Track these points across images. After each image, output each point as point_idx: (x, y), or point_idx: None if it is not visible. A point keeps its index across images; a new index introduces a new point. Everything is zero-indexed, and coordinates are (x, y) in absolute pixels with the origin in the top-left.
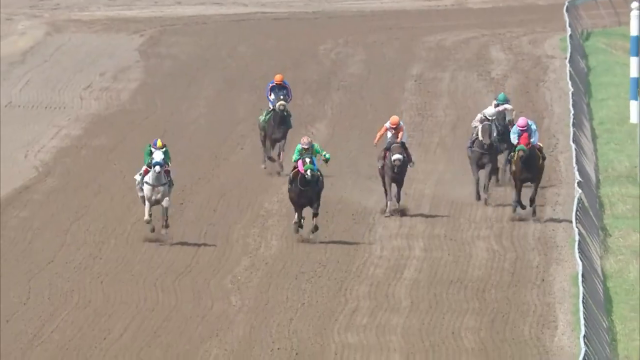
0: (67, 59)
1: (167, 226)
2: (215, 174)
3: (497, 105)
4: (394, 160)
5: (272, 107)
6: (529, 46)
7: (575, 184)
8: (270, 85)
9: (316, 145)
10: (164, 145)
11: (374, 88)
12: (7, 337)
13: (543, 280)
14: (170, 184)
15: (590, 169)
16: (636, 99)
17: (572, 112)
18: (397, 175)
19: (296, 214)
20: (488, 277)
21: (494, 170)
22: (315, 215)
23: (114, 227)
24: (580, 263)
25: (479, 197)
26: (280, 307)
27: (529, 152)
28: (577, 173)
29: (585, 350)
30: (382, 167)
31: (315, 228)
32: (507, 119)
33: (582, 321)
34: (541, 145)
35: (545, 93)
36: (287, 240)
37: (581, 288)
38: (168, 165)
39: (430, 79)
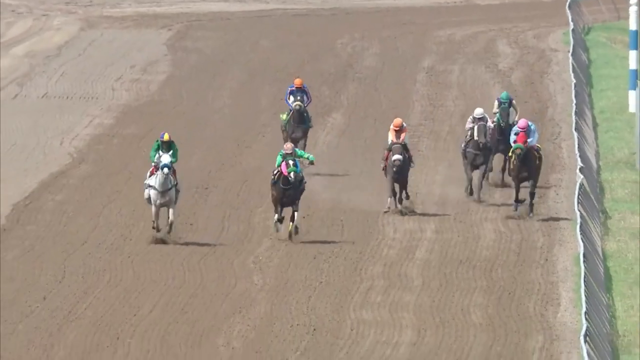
0: (99, 53)
1: (170, 231)
2: (238, 161)
3: (500, 104)
4: (394, 161)
5: (291, 109)
6: (534, 40)
7: (577, 170)
8: (290, 89)
9: (298, 150)
10: (170, 139)
11: (387, 80)
12: (44, 313)
13: (547, 260)
14: (177, 188)
15: (591, 156)
16: (634, 90)
17: (574, 102)
18: (398, 175)
19: (275, 214)
20: (495, 257)
21: (488, 171)
22: (293, 216)
23: (143, 210)
24: (581, 244)
25: (471, 193)
26: (299, 286)
27: (526, 150)
28: (579, 159)
29: (587, 326)
30: (384, 167)
31: (296, 229)
32: (510, 118)
33: (584, 298)
34: (539, 146)
35: (549, 84)
36: (306, 222)
37: (583, 267)
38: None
39: (440, 71)
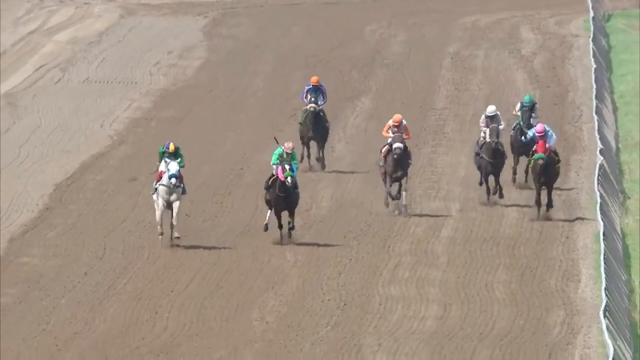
0: (138, 39)
1: (173, 232)
2: (271, 143)
3: (522, 107)
4: (395, 148)
5: (307, 109)
6: (556, 27)
7: (597, 152)
8: (307, 87)
9: (295, 153)
10: (176, 148)
11: (414, 65)
12: (86, 288)
13: (568, 237)
14: (183, 190)
15: (610, 138)
16: None
17: (595, 86)
18: (397, 166)
19: (268, 213)
20: (518, 235)
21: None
22: (291, 220)
23: None
24: (601, 222)
25: (481, 184)
26: (330, 262)
27: (548, 159)
28: (598, 141)
29: (606, 301)
30: (384, 163)
31: (292, 228)
32: (532, 120)
33: (603, 275)
34: (555, 148)
35: (570, 69)
36: (336, 202)
37: (602, 245)
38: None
39: (465, 57)
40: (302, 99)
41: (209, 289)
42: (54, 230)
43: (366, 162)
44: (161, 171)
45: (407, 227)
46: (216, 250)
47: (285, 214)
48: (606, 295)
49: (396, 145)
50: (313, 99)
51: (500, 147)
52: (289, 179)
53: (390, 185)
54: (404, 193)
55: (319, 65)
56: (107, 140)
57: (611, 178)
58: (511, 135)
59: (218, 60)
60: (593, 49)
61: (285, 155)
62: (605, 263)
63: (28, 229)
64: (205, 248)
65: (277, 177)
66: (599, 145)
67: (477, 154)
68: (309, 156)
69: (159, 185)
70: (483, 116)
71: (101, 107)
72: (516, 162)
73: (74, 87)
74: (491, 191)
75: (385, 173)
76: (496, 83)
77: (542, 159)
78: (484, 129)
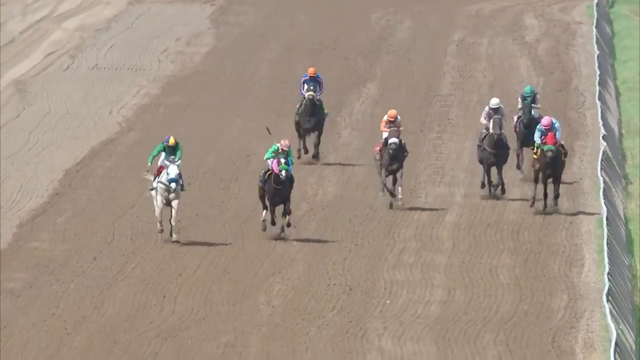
0: (146, 26)
1: (173, 232)
2: (277, 130)
3: (524, 99)
4: (390, 144)
5: (304, 99)
6: (559, 13)
7: (601, 137)
8: (304, 78)
9: (291, 151)
10: (176, 142)
11: (419, 52)
12: (95, 273)
13: (571, 223)
14: (182, 187)
15: (613, 124)
16: None
17: (598, 72)
18: (393, 160)
19: (264, 211)
20: (522, 220)
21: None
22: (287, 213)
23: (187, 175)
24: (604, 208)
25: (483, 186)
26: (336, 247)
27: (557, 151)
28: (602, 127)
29: (609, 286)
30: (380, 157)
31: (288, 224)
32: (536, 115)
33: (606, 259)
34: (562, 142)
35: (574, 55)
36: (341, 188)
37: (605, 230)
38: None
39: (470, 44)
40: (300, 89)
41: (216, 274)
42: (63, 215)
43: (372, 148)
44: (161, 166)
45: (412, 213)
46: (223, 236)
47: (279, 210)
48: (609, 279)
49: (391, 140)
50: (312, 88)
51: (503, 138)
52: (283, 172)
53: (386, 177)
54: (399, 188)
55: (324, 52)
56: (115, 126)
57: (614, 164)
58: (514, 126)
59: (225, 48)
60: (596, 35)
61: (280, 152)
62: (608, 248)
63: (38, 214)
64: (212, 233)
65: (273, 171)
66: (602, 131)
67: (479, 146)
68: (305, 148)
69: (159, 183)
70: (487, 108)
71: (110, 94)
72: (520, 154)
73: (83, 74)
74: (493, 183)
75: (381, 166)
76: (500, 70)
77: (552, 150)
78: (484, 121)
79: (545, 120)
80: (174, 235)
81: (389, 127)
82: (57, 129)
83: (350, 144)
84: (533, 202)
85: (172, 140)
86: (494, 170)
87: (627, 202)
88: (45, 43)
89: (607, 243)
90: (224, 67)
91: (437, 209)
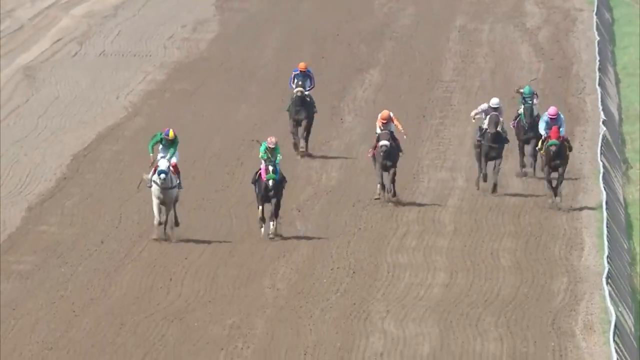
0: (152, 13)
1: (177, 224)
2: (281, 115)
3: (523, 99)
4: (381, 146)
5: (294, 94)
6: (560, 0)
7: (600, 122)
8: (294, 72)
9: (278, 148)
10: (175, 136)
11: (422, 38)
12: (102, 256)
13: (571, 207)
14: (179, 186)
15: (613, 109)
16: None
17: (598, 58)
18: (386, 160)
19: (260, 207)
20: (523, 204)
21: (500, 163)
22: (275, 216)
23: (193, 160)
24: (604, 192)
25: (478, 187)
26: (339, 231)
27: (560, 145)
28: (601, 113)
29: (608, 269)
30: (373, 155)
31: (277, 229)
32: (535, 113)
33: (606, 243)
34: (567, 136)
35: (574, 42)
36: (345, 172)
37: (605, 214)
38: (175, 160)
39: (471, 30)
40: (290, 84)
41: (222, 257)
42: (71, 199)
43: (375, 134)
44: (157, 165)
45: (414, 197)
46: (228, 220)
47: (268, 209)
48: (608, 262)
49: (382, 143)
50: (300, 83)
51: (501, 132)
52: (270, 181)
53: (381, 175)
54: (392, 185)
55: (328, 38)
56: (122, 111)
57: (614, 148)
58: (513, 127)
59: (230, 34)
60: (596, 22)
61: (269, 150)
62: (607, 231)
63: (46, 198)
64: (217, 217)
65: (261, 174)
66: (602, 116)
67: (478, 141)
68: (298, 142)
69: (153, 183)
70: (485, 105)
71: (117, 80)
72: (522, 154)
73: (91, 60)
74: (488, 176)
75: (375, 164)
76: (501, 56)
77: (555, 145)
78: (478, 116)
79: (551, 110)
80: (173, 240)
81: (383, 129)
82: (65, 114)
83: (354, 129)
84: (553, 197)
85: (171, 134)
86: (490, 166)
87: (627, 186)
88: (54, 30)
89: (607, 227)
90: (229, 53)
91: (439, 193)
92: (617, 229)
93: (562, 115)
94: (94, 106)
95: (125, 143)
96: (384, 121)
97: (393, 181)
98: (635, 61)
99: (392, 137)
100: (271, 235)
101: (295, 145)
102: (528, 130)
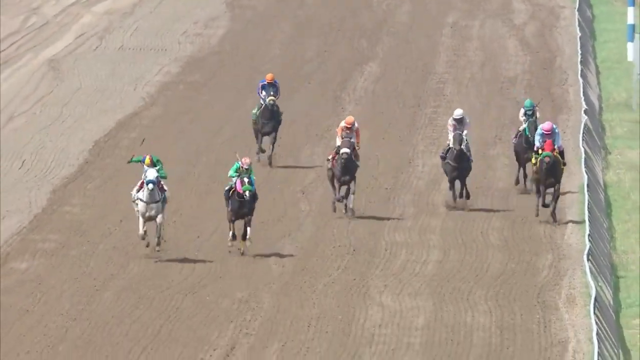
0: (167, 11)
1: (159, 244)
2: (287, 105)
3: (525, 113)
4: (342, 153)
5: (263, 103)
6: None
7: (582, 111)
8: (262, 83)
9: (252, 169)
10: (153, 161)
11: (417, 33)
12: (121, 234)
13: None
14: (164, 200)
15: (594, 99)
16: (632, 42)
17: (580, 52)
18: (345, 170)
19: (231, 224)
20: (510, 187)
21: (466, 179)
22: (246, 232)
23: (205, 147)
24: (585, 175)
25: (455, 200)
26: (340, 212)
27: (554, 159)
28: (583, 102)
29: (589, 246)
30: (332, 166)
31: (249, 240)
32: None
33: (587, 222)
34: (563, 149)
35: (557, 37)
36: None
37: (586, 196)
38: (163, 180)
39: (463, 26)
40: (258, 93)
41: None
42: (92, 182)
43: (373, 122)
44: (142, 181)
45: (410, 181)
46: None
47: (240, 225)
48: (589, 241)
49: (343, 150)
50: (272, 93)
51: (464, 151)
52: (247, 192)
53: (339, 191)
54: (352, 196)
55: (331, 33)
56: (140, 101)
57: (594, 135)
58: (514, 143)
59: (239, 30)
60: (578, 18)
61: (242, 170)
62: (588, 212)
63: (70, 181)
64: (226, 200)
65: (236, 189)
66: (584, 105)
67: (443, 158)
68: (261, 149)
69: (138, 200)
70: (451, 119)
71: (135, 72)
72: (520, 169)
73: (110, 54)
74: (456, 196)
75: (332, 177)
76: (490, 50)
77: (549, 157)
78: (450, 132)
79: (546, 125)
80: (157, 247)
81: (345, 136)
82: (87, 103)
83: (355, 117)
84: (537, 212)
85: (147, 161)
86: (457, 183)
87: (606, 170)
88: (76, 26)
89: (588, 207)
90: (239, 47)
91: (433, 177)
92: (597, 209)
93: (557, 130)
94: (113, 96)
95: (142, 130)
96: (349, 126)
97: (353, 192)
98: (614, 55)
99: (352, 147)
100: (243, 251)
101: (260, 150)
102: (527, 144)
